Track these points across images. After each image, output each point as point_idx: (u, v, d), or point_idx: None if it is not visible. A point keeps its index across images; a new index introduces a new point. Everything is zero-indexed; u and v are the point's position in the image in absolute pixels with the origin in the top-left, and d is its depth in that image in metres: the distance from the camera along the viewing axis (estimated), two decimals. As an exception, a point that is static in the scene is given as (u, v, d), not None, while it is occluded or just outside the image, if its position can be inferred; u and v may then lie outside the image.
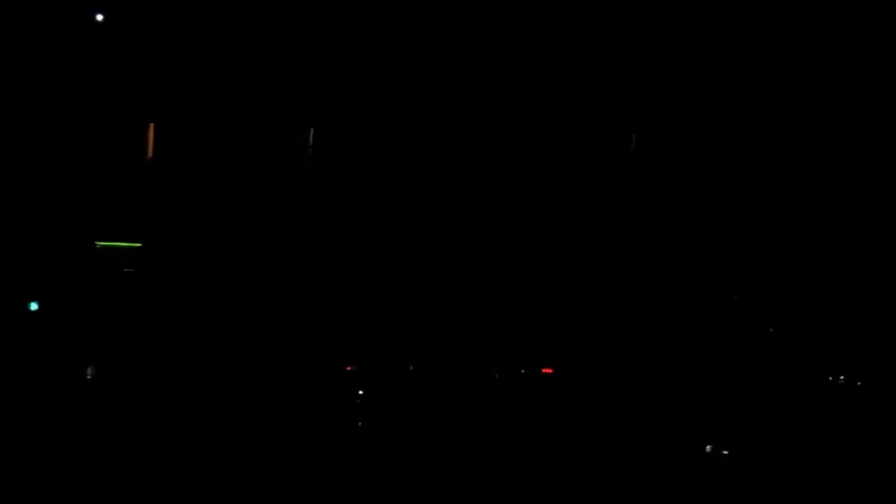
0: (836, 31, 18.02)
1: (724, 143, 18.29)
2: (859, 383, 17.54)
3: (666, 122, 18.30)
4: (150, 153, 18.04)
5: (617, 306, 17.95)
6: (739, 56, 18.13)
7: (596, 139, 18.46)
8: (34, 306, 17.27)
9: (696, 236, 18.24)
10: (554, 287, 18.07)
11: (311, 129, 18.35)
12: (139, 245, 17.93)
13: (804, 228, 18.18)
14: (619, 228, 18.33)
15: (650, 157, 18.35)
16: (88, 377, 16.77)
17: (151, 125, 18.07)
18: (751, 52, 18.13)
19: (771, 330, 17.84)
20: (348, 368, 17.23)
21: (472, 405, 17.12)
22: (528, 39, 18.23)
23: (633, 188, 18.37)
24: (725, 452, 16.73)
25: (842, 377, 17.56)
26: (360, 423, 16.79)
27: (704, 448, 16.71)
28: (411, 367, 17.43)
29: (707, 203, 18.27)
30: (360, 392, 17.10)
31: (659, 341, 17.74)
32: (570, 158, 18.47)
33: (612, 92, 18.29)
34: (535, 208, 18.30)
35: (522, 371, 17.58)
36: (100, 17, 17.49)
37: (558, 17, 18.22)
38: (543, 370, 17.65)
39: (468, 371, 17.47)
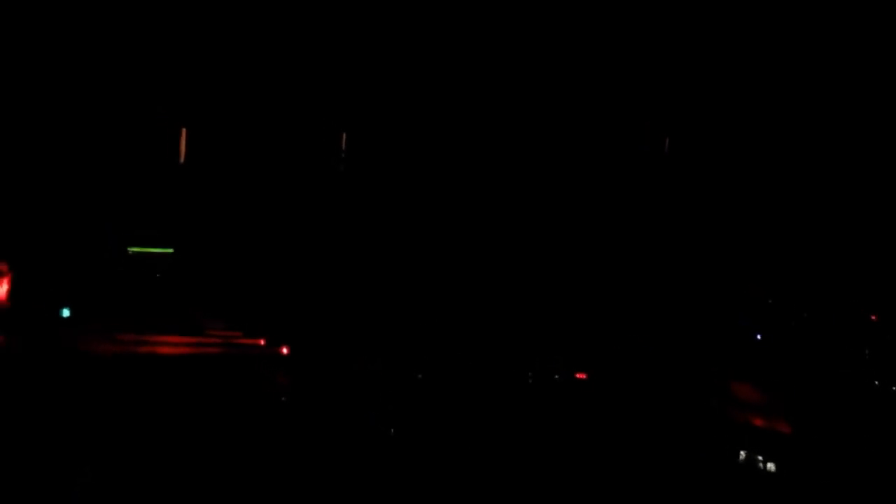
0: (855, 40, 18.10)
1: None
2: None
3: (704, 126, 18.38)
4: (182, 158, 18.14)
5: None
6: (774, 60, 18.19)
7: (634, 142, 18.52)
8: (66, 312, 17.37)
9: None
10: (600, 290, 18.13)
11: (344, 134, 18.43)
12: (171, 251, 18.11)
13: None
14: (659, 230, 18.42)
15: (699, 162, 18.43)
16: (119, 379, 16.80)
17: (184, 130, 18.23)
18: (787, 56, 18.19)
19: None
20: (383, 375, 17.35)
21: (509, 409, 17.08)
22: (561, 50, 18.30)
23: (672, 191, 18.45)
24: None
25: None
26: (392, 430, 16.80)
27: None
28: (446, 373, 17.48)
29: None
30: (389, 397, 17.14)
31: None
32: (610, 161, 18.54)
33: (650, 97, 18.37)
34: (577, 210, 18.33)
35: (556, 377, 17.55)
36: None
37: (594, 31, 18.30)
38: (578, 375, 17.62)
39: (504, 375, 17.48)
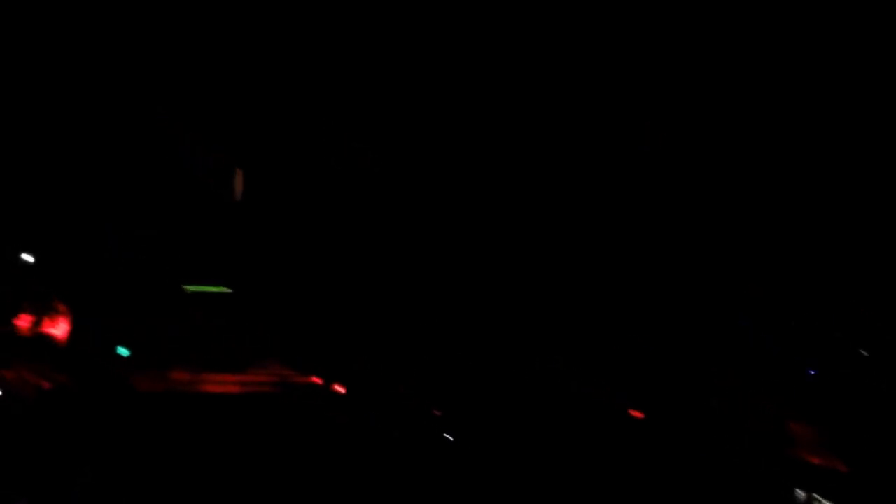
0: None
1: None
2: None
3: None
4: (238, 195, 18.16)
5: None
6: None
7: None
8: (124, 352, 17.38)
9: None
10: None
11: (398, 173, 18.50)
12: (227, 290, 18.21)
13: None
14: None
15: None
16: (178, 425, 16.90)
17: (239, 170, 18.28)
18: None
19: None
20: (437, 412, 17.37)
21: (567, 449, 17.12)
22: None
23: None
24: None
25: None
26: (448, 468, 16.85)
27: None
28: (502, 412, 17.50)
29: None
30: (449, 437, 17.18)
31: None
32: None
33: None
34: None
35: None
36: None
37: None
38: (632, 412, 17.61)
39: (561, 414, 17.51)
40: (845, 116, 18.18)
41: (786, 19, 18.08)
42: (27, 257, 17.39)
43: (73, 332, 17.41)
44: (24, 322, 17.40)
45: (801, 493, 16.72)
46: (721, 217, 18.40)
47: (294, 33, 18.15)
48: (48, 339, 17.39)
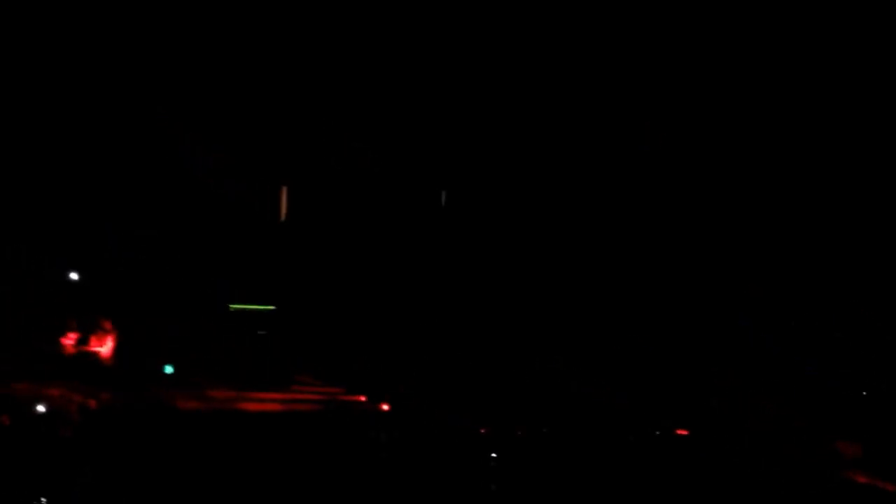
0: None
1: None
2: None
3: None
4: (283, 215, 18.21)
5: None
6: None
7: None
8: (169, 370, 17.45)
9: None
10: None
11: (444, 192, 18.46)
12: (272, 308, 18.15)
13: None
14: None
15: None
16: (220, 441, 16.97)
17: (284, 188, 18.30)
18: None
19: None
20: (482, 431, 17.35)
21: (610, 468, 17.08)
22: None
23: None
24: None
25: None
26: (493, 487, 16.83)
27: None
28: (545, 429, 17.47)
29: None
30: (494, 455, 17.18)
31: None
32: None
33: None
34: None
35: (657, 433, 17.50)
36: None
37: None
38: (678, 431, 17.61)
39: (603, 433, 17.50)
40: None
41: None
42: (73, 276, 17.53)
43: (118, 351, 17.62)
44: (70, 340, 17.60)
45: None
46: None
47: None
48: (93, 358, 17.59)
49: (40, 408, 16.77)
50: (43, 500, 15.68)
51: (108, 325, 17.52)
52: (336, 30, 18.14)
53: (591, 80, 18.46)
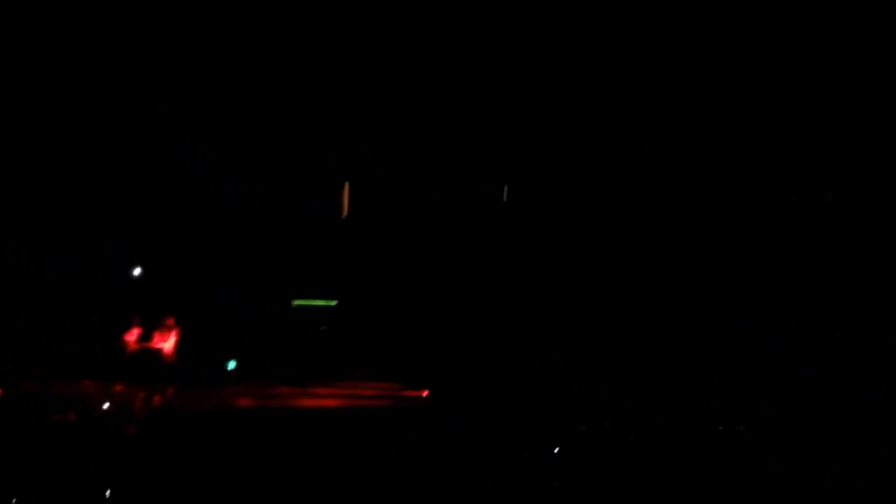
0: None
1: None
2: None
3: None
4: (345, 211, 18.24)
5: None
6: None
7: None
8: (232, 365, 17.52)
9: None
10: None
11: (506, 186, 18.46)
12: (334, 303, 18.17)
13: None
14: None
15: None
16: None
17: (346, 184, 18.34)
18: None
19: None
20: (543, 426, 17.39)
21: (675, 462, 17.09)
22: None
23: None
24: None
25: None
26: (555, 482, 16.84)
27: None
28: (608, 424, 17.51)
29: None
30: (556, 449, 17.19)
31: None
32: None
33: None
34: None
35: (720, 428, 17.52)
36: None
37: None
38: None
39: (666, 426, 17.50)
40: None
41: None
42: (136, 272, 17.62)
43: (181, 347, 17.70)
44: (133, 337, 17.74)
45: None
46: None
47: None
48: (156, 354, 17.71)
49: (105, 405, 16.89)
50: (107, 493, 15.74)
51: (170, 322, 17.59)
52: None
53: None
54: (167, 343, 17.66)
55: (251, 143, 18.23)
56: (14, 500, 15.40)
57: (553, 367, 17.86)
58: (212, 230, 17.94)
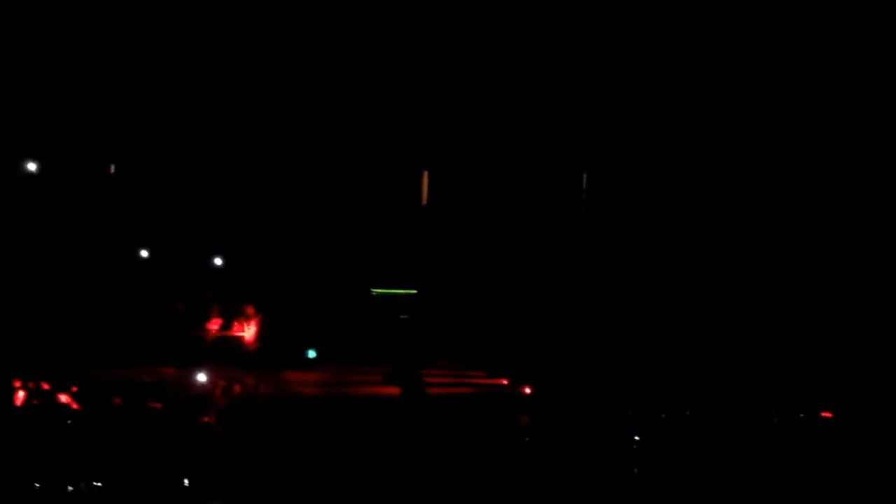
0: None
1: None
2: None
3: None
4: (424, 200, 18.29)
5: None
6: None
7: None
8: (312, 354, 17.60)
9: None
10: None
11: (585, 174, 18.45)
12: (414, 292, 18.22)
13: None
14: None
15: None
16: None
17: (425, 173, 18.37)
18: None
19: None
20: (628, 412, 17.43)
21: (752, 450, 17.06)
22: None
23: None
24: None
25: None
26: (636, 470, 16.84)
27: None
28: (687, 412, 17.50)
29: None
30: (637, 437, 17.22)
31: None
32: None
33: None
34: None
35: (801, 415, 17.49)
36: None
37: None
38: (823, 413, 17.58)
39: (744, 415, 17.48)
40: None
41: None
42: (217, 262, 17.69)
43: (262, 336, 17.77)
44: (214, 325, 17.83)
45: None
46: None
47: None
48: (237, 343, 17.80)
49: (188, 394, 17.05)
50: (186, 482, 15.81)
51: (250, 311, 17.63)
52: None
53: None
54: (248, 332, 17.69)
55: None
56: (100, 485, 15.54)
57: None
58: (293, 220, 17.99)
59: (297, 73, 18.21)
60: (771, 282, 18.13)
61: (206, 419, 16.80)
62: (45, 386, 16.72)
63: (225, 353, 17.54)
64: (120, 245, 17.54)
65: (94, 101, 17.86)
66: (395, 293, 18.07)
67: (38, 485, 15.31)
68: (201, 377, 17.09)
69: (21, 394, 16.61)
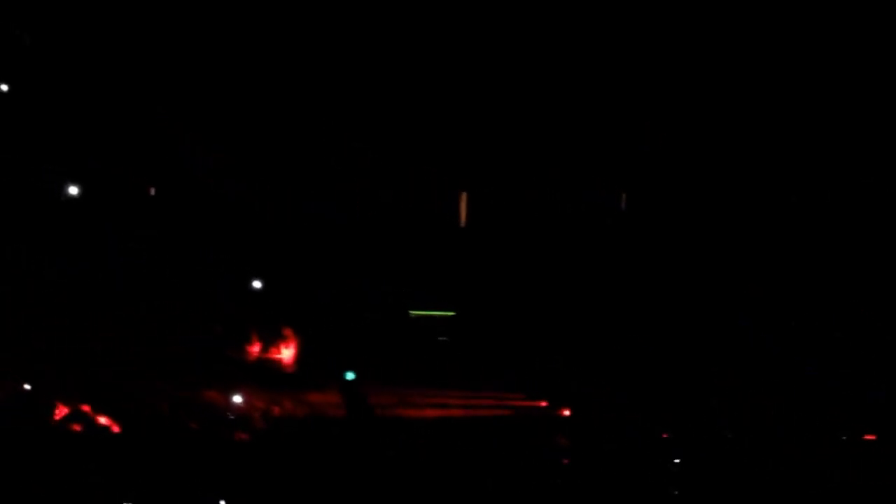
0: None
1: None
2: None
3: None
4: (462, 221, 18.26)
5: None
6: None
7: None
8: (350, 376, 17.53)
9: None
10: None
11: (624, 194, 18.44)
12: (452, 314, 18.18)
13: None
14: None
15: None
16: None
17: (464, 194, 18.36)
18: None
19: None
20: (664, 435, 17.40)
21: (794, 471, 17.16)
22: None
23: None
24: None
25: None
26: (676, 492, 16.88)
27: None
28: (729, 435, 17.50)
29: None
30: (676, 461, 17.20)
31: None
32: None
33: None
34: None
35: (844, 438, 17.46)
36: None
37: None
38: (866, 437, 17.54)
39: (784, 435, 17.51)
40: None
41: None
42: (256, 284, 17.66)
43: (300, 358, 17.73)
44: (253, 347, 17.77)
45: None
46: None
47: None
48: (276, 365, 17.74)
49: (227, 414, 17.05)
50: (222, 502, 15.82)
51: (289, 333, 17.59)
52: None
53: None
54: (286, 353, 17.66)
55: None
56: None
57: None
58: (328, 239, 17.97)
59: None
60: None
61: (242, 439, 16.79)
62: (85, 408, 16.72)
63: (263, 375, 17.48)
64: (144, 252, 17.51)
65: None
66: (433, 315, 18.00)
67: None
68: (238, 399, 17.01)
69: (61, 416, 16.60)
